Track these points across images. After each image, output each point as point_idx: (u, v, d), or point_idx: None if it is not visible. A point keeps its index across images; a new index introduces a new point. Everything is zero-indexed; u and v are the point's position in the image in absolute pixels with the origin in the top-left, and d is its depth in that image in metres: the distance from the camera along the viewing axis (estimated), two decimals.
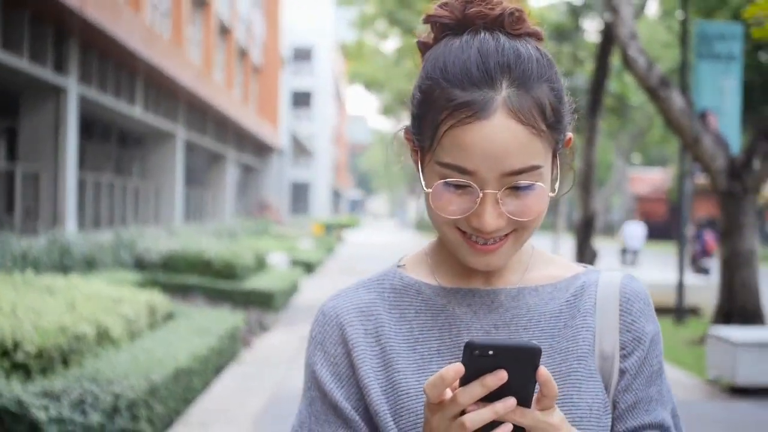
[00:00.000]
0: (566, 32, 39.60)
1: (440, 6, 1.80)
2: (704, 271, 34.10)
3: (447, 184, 1.67)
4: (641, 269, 35.40)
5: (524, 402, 1.50)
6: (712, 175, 15.63)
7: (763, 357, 12.00)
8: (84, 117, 22.27)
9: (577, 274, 1.92)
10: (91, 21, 19.04)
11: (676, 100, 15.58)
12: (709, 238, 38.81)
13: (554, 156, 1.74)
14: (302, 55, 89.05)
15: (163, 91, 29.64)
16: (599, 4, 29.49)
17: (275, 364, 13.62)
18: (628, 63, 16.03)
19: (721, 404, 11.65)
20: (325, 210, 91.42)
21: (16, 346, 8.18)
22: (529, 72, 1.67)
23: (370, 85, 67.05)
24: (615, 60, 24.72)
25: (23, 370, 8.18)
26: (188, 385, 10.25)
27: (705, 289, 22.47)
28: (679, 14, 24.06)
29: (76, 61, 20.68)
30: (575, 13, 41.04)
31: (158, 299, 12.66)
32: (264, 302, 18.45)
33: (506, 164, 1.62)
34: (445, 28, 1.79)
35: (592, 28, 41.44)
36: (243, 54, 49.08)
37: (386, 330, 1.83)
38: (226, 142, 43.36)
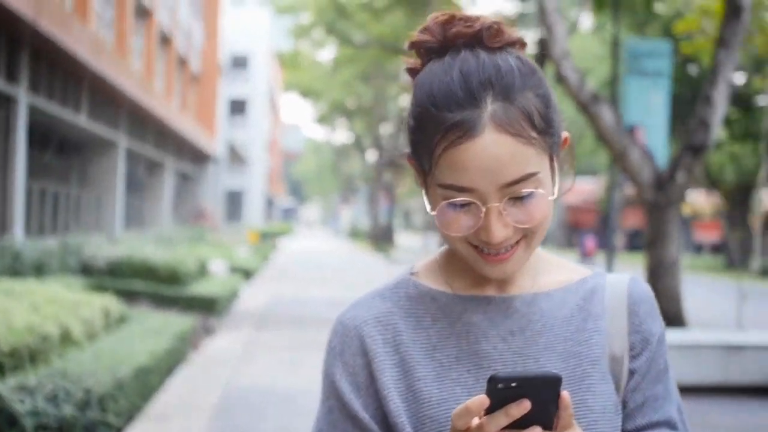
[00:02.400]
0: None
1: (421, 31, 1.84)
2: None
3: (450, 204, 1.71)
4: None
5: (546, 426, 1.56)
6: (638, 186, 16.35)
7: (683, 357, 12.78)
8: (31, 125, 22.67)
9: (585, 277, 1.97)
10: (43, 32, 19.47)
11: (606, 115, 16.27)
12: (589, 242, 41.41)
13: (551, 159, 1.78)
14: (239, 63, 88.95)
15: (107, 100, 30.02)
16: (535, 16, 30.22)
17: (223, 364, 14.24)
18: (560, 79, 16.66)
19: None
20: (259, 218, 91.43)
21: None
22: (511, 84, 1.71)
23: (306, 94, 67.49)
24: (549, 71, 25.46)
25: None
26: (147, 382, 10.88)
27: None
28: (610, 32, 24.88)
29: (26, 71, 21.08)
30: (512, 24, 41.93)
31: (112, 303, 13.26)
32: (207, 307, 18.96)
33: (502, 176, 1.67)
34: (429, 52, 1.82)
35: (528, 39, 42.24)
36: (182, 62, 49.36)
37: (404, 338, 1.86)
38: (165, 151, 43.66)
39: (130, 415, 10.02)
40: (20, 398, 8.27)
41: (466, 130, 1.67)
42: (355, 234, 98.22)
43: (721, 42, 15.17)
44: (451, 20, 1.81)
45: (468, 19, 1.80)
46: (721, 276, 44.03)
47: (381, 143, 67.64)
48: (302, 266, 42.20)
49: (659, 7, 41.60)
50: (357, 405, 1.83)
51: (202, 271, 22.50)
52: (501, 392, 1.51)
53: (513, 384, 1.50)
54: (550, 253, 2.00)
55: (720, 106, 15.30)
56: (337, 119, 79.09)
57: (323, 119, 78.38)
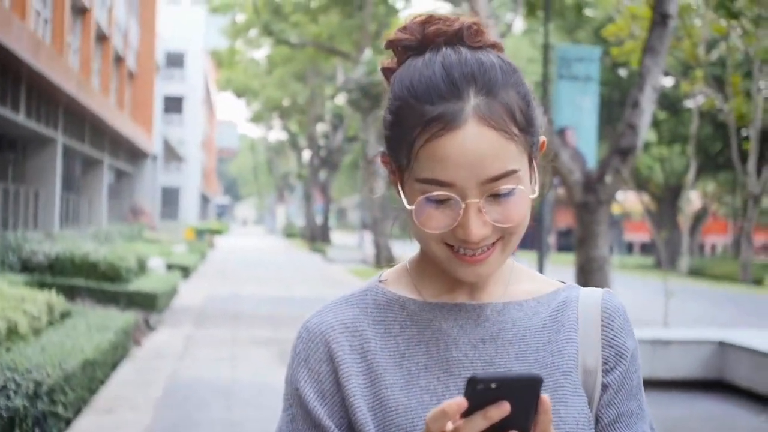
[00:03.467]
0: None
1: (399, 30, 1.82)
2: None
3: (428, 199, 1.67)
4: None
5: (523, 430, 1.51)
6: (569, 187, 16.80)
7: None
8: None
9: (558, 289, 1.94)
10: None
11: (540, 120, 16.74)
12: None
13: (530, 160, 1.74)
14: (174, 60, 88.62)
15: (45, 97, 30.03)
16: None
17: (165, 358, 14.58)
18: None
19: None
20: (195, 215, 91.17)
21: None
22: (494, 79, 1.68)
23: (242, 92, 67.57)
24: None
25: None
26: (93, 375, 11.22)
27: None
28: (542, 34, 25.39)
29: None
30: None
31: (55, 299, 13.47)
32: (147, 304, 19.18)
33: (483, 171, 1.63)
34: (407, 50, 1.80)
35: None
36: (119, 60, 49.26)
37: (372, 346, 1.82)
38: (102, 148, 43.60)
39: (78, 407, 10.36)
40: None
41: (447, 122, 1.64)
42: (290, 232, 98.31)
43: (648, 49, 15.65)
44: (430, 20, 1.80)
45: (447, 19, 1.79)
46: (650, 275, 44.80)
47: (316, 142, 67.89)
48: (239, 264, 42.47)
49: (590, 12, 42.31)
50: (322, 413, 1.78)
51: (142, 268, 22.70)
52: (479, 394, 1.46)
53: (493, 385, 1.46)
54: (521, 263, 1.98)
55: (647, 111, 15.78)
56: (273, 118, 79.20)
57: (258, 118, 78.46)
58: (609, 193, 16.52)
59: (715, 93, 45.36)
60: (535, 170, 1.76)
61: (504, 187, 1.65)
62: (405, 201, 1.73)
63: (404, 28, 1.81)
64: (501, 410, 1.46)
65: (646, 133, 16.28)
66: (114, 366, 13.19)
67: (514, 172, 1.65)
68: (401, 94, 1.73)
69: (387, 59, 1.88)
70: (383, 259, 40.65)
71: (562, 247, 74.95)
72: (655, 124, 51.68)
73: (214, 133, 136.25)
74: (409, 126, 1.69)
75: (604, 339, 1.86)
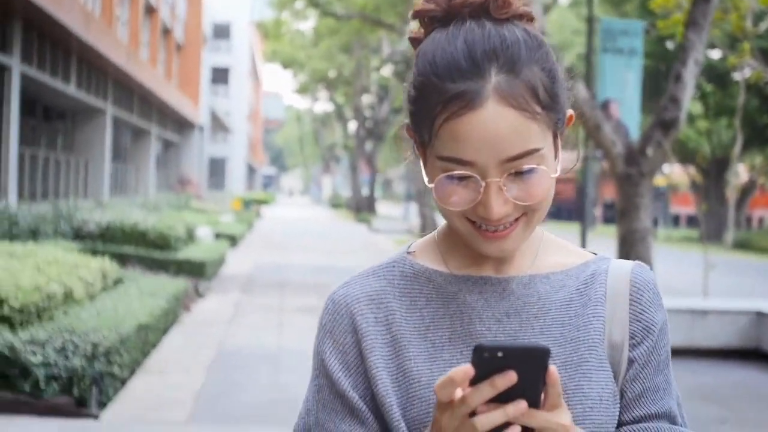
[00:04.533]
0: None
1: (426, 0, 1.79)
2: None
3: (449, 177, 1.66)
4: None
5: (533, 402, 1.50)
6: (611, 159, 16.91)
7: None
8: (22, 94, 23.18)
9: (587, 261, 1.91)
10: (37, 3, 19.98)
11: (581, 90, 16.83)
12: None
13: (555, 137, 1.73)
14: (221, 32, 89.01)
15: (95, 69, 30.52)
16: None
17: (214, 324, 14.96)
18: None
19: None
20: (241, 186, 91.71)
21: (2, 302, 9.50)
22: (517, 56, 1.66)
23: (288, 64, 67.72)
24: None
25: (8, 323, 9.50)
26: (146, 338, 11.61)
27: None
28: (587, 8, 25.43)
29: (19, 41, 21.59)
30: None
31: (108, 265, 13.86)
32: (196, 271, 19.56)
33: (504, 151, 1.62)
34: (433, 21, 1.78)
35: None
36: (166, 32, 49.70)
37: (397, 318, 1.82)
38: (150, 119, 44.12)
39: (132, 368, 10.76)
40: (33, 350, 9.02)
41: (468, 101, 1.62)
42: (336, 203, 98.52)
43: (691, 23, 15.75)
44: None
45: None
46: (694, 248, 44.80)
47: (362, 113, 68.01)
48: (285, 234, 42.81)
49: None
50: (346, 384, 1.79)
51: (191, 237, 23.05)
52: (486, 363, 1.46)
53: (499, 354, 1.46)
54: (553, 233, 1.96)
55: (689, 84, 15.89)
56: (319, 89, 79.36)
57: (304, 89, 78.60)
58: (651, 166, 16.62)
59: (763, 66, 45.17)
60: (559, 146, 1.75)
61: (525, 166, 1.65)
62: (426, 177, 1.74)
63: None
64: (507, 379, 1.46)
65: (688, 107, 16.36)
66: (165, 331, 13.57)
67: (536, 150, 1.65)
68: (424, 70, 1.72)
69: (417, 30, 1.86)
70: (428, 229, 40.78)
71: (608, 219, 74.77)
72: (702, 96, 51.52)
73: (260, 104, 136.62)
74: (431, 103, 1.68)
75: (631, 313, 1.85)
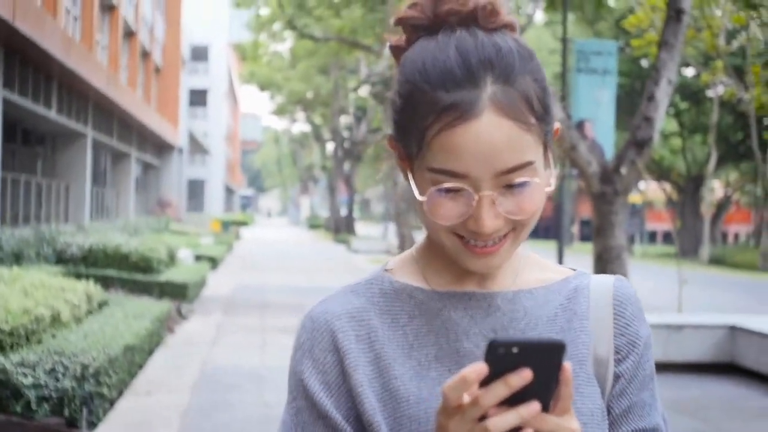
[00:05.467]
0: None
1: (409, 7, 1.72)
2: None
3: (440, 190, 1.60)
4: None
5: (544, 403, 1.43)
6: (587, 178, 17.13)
7: None
8: (4, 119, 23.32)
9: (568, 277, 1.88)
10: (20, 30, 20.15)
11: (557, 109, 17.11)
12: None
13: (545, 148, 1.67)
14: (199, 54, 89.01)
15: (76, 93, 30.68)
16: None
17: (198, 345, 15.18)
18: None
19: None
20: (219, 207, 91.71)
21: None
22: (512, 66, 1.59)
23: (266, 85, 67.94)
24: None
25: None
26: (133, 360, 11.83)
27: None
28: (561, 27, 25.76)
29: (0, 67, 21.74)
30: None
31: (93, 288, 14.04)
32: (179, 293, 19.72)
33: (499, 163, 1.56)
34: (417, 29, 1.71)
35: None
36: (145, 55, 49.86)
37: (379, 336, 1.76)
38: (129, 142, 44.28)
39: (120, 389, 11.00)
40: (23, 372, 9.25)
41: (463, 112, 1.55)
42: (314, 224, 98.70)
43: (663, 42, 16.04)
44: None
45: None
46: (670, 264, 45.14)
47: (340, 134, 68.28)
48: (265, 255, 43.00)
49: (611, 3, 42.54)
50: (328, 404, 1.71)
51: (172, 259, 23.21)
52: (499, 360, 1.39)
53: (514, 350, 1.39)
54: (530, 252, 1.91)
55: (662, 104, 16.13)
56: (296, 110, 79.58)
57: (282, 110, 78.79)
58: (625, 184, 16.84)
59: (736, 83, 45.62)
60: (550, 158, 1.69)
61: (519, 179, 1.58)
62: (416, 191, 1.66)
63: (414, 5, 1.72)
64: (522, 377, 1.39)
65: (661, 125, 16.62)
66: (150, 352, 13.79)
67: (529, 163, 1.58)
68: (413, 78, 1.64)
69: (396, 36, 1.79)
70: (407, 249, 41.03)
71: (585, 237, 75.19)
72: (677, 114, 52.01)
73: (238, 125, 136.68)
74: (421, 113, 1.61)
75: (616, 327, 1.81)
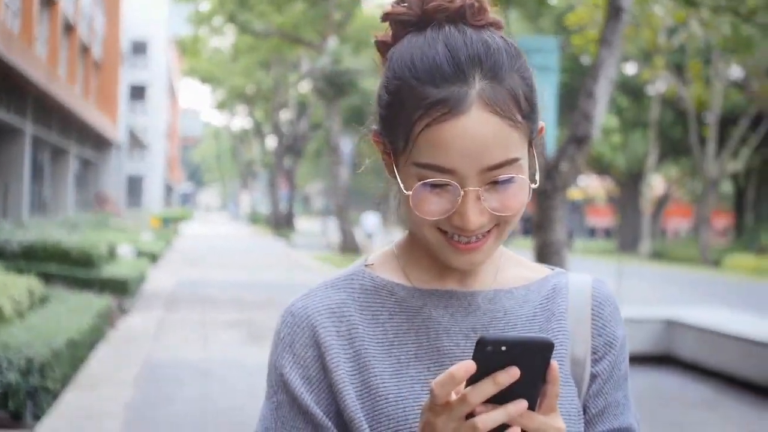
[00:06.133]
0: None
1: (397, 3, 1.74)
2: None
3: (425, 185, 1.61)
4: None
5: (530, 401, 1.45)
6: None
7: None
8: None
9: (547, 276, 1.89)
10: None
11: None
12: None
13: (530, 146, 1.68)
14: (138, 48, 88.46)
15: (15, 88, 30.43)
16: None
17: (140, 340, 15.17)
18: None
19: None
20: (158, 203, 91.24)
21: None
22: (500, 63, 1.61)
23: (206, 80, 67.70)
24: None
25: None
26: (76, 354, 11.82)
27: None
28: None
29: None
30: None
31: (35, 284, 14.00)
32: (119, 289, 19.63)
33: (486, 159, 1.57)
34: (405, 25, 1.72)
35: None
36: (85, 50, 49.53)
37: (360, 332, 1.76)
38: (69, 137, 44.00)
39: (64, 383, 10.99)
40: None
41: (451, 107, 1.56)
42: (255, 219, 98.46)
43: (603, 41, 16.19)
44: None
45: None
46: (610, 259, 45.56)
47: (281, 129, 68.19)
48: (205, 250, 42.89)
49: (552, 0, 42.77)
50: (308, 399, 1.71)
51: (112, 255, 23.13)
52: (488, 358, 1.40)
53: (503, 348, 1.40)
54: (508, 249, 1.91)
55: (601, 101, 16.27)
56: (237, 105, 79.37)
57: (222, 105, 78.53)
58: (565, 180, 16.96)
59: (676, 80, 46.14)
60: (535, 156, 1.70)
61: (505, 175, 1.60)
62: (401, 186, 1.67)
63: (402, 1, 1.73)
64: (510, 375, 1.41)
65: (601, 122, 16.78)
66: (92, 346, 13.77)
67: (515, 160, 1.60)
68: (401, 74, 1.65)
69: (382, 32, 1.79)
70: (349, 244, 41.16)
71: (527, 231, 75.48)
72: (618, 110, 52.42)
73: (178, 121, 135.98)
74: (409, 108, 1.61)
75: (594, 328, 1.82)
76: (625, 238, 57.20)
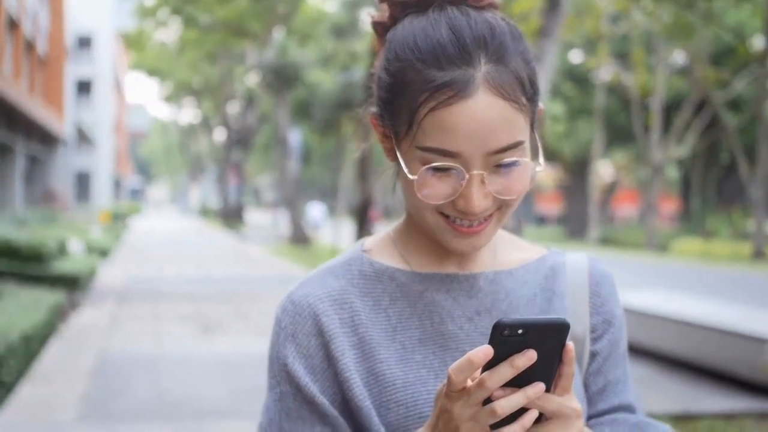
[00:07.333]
0: (344, 29, 41.28)
1: None
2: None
3: (429, 168, 1.59)
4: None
5: (546, 383, 1.44)
6: None
7: None
8: None
9: (544, 255, 1.89)
10: None
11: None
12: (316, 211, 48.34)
13: (532, 129, 1.66)
14: (83, 43, 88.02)
15: None
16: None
17: (92, 334, 15.22)
18: None
19: None
20: (107, 198, 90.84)
21: None
22: (505, 45, 1.60)
23: (152, 73, 67.41)
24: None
25: None
26: (29, 348, 11.92)
27: None
28: None
29: None
30: (353, 6, 42.68)
31: None
32: (70, 284, 19.61)
33: (491, 143, 1.56)
34: (404, 7, 1.71)
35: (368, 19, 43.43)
36: (30, 46, 49.31)
37: (362, 319, 1.74)
38: (15, 134, 43.81)
39: (18, 376, 11.10)
40: None
41: (457, 90, 1.55)
42: (205, 212, 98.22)
43: (543, 32, 16.42)
44: None
45: None
46: (560, 245, 45.89)
47: (229, 122, 68.07)
48: (155, 245, 42.73)
49: None
50: (314, 389, 1.70)
51: (62, 251, 23.11)
52: (504, 342, 1.39)
53: (519, 331, 1.39)
54: (502, 230, 1.90)
55: (542, 90, 16.55)
56: (184, 98, 79.12)
57: (170, 98, 78.26)
58: None
59: (620, 67, 46.62)
60: (537, 138, 1.68)
61: (509, 159, 1.59)
62: (406, 169, 1.64)
63: None
64: (528, 358, 1.40)
65: (546, 109, 16.98)
66: (45, 341, 13.86)
67: (520, 143, 1.59)
68: (404, 56, 1.63)
69: (379, 14, 1.78)
70: (299, 237, 41.22)
71: None
72: (564, 98, 52.82)
73: (125, 115, 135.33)
74: (413, 91, 1.60)
75: (592, 306, 1.83)
76: (573, 225, 57.72)
